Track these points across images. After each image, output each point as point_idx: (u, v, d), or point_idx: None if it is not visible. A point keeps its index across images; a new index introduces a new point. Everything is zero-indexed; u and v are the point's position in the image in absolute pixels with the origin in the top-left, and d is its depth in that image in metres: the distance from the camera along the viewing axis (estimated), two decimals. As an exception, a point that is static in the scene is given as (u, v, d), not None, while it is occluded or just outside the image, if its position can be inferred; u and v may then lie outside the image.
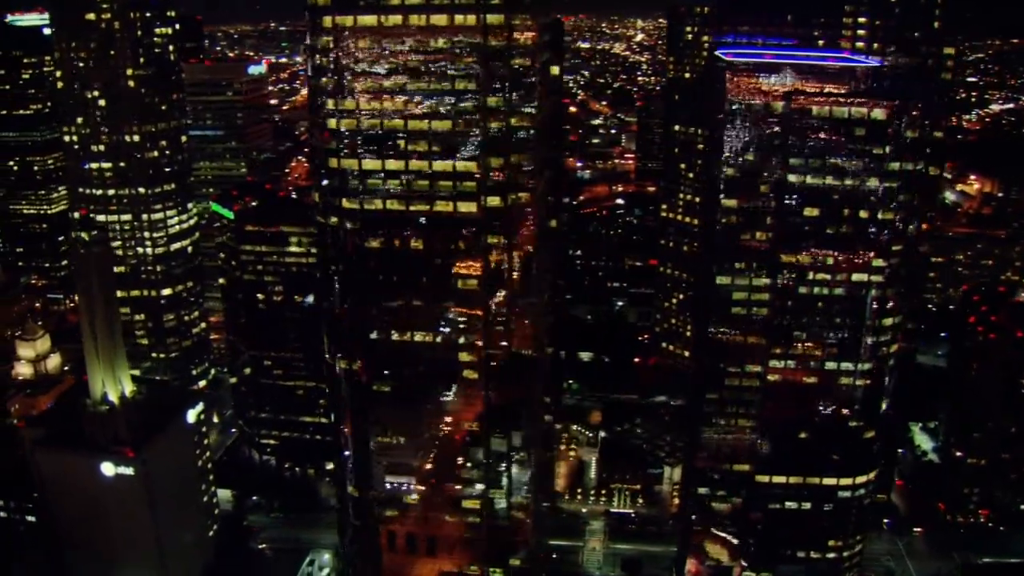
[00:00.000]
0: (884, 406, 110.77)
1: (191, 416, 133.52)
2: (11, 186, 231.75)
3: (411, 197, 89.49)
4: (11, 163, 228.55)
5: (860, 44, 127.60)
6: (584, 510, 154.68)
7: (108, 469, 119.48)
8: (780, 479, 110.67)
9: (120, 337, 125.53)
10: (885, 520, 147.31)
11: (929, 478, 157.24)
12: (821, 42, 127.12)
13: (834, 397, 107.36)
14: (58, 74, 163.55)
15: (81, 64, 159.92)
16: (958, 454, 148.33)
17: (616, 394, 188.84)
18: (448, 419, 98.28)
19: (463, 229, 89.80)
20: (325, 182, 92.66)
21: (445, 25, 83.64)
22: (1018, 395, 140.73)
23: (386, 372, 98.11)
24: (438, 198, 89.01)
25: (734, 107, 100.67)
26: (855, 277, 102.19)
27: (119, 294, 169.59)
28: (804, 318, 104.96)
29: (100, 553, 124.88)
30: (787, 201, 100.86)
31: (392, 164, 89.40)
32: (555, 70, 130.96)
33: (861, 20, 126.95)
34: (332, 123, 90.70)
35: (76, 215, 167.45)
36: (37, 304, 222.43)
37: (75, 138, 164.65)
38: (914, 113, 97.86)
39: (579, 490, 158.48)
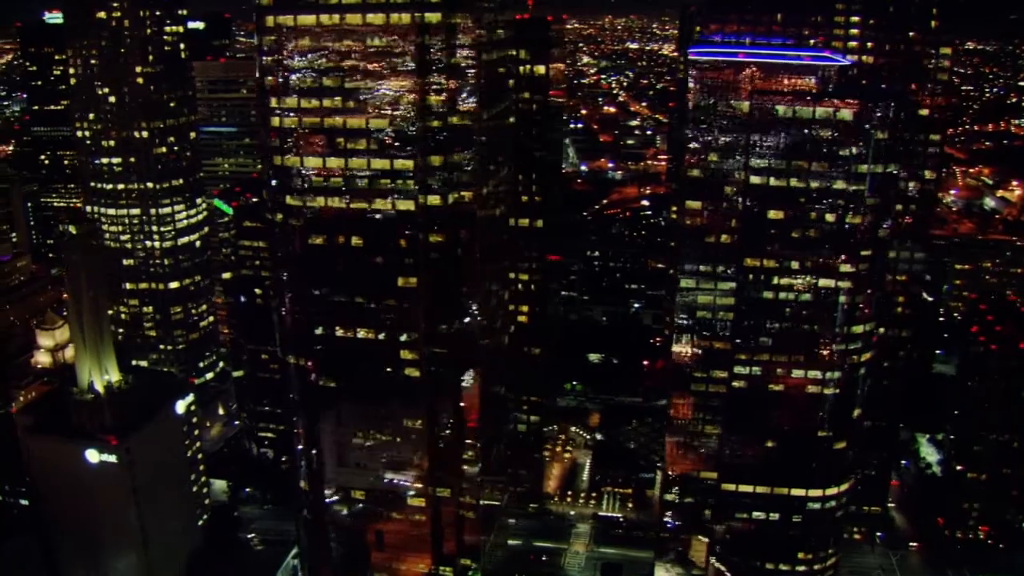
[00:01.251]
0: (856, 415, 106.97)
1: (180, 407, 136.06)
2: (43, 180, 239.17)
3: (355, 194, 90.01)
4: (42, 157, 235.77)
5: (853, 43, 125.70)
6: (572, 512, 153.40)
7: (93, 456, 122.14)
8: (747, 488, 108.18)
9: (107, 327, 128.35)
10: (878, 533, 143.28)
11: (930, 492, 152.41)
12: (812, 41, 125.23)
13: (802, 406, 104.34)
14: (71, 71, 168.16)
15: (93, 61, 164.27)
16: (958, 468, 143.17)
17: (620, 396, 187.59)
18: (395, 416, 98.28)
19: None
20: (273, 180, 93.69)
21: (381, 24, 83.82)
22: (1021, 408, 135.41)
23: (333, 368, 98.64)
24: (379, 196, 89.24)
25: (699, 106, 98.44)
26: (822, 282, 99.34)
27: (128, 286, 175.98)
28: (771, 323, 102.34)
29: (86, 537, 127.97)
30: (751, 203, 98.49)
31: (332, 162, 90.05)
32: (540, 69, 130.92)
33: (854, 19, 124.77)
34: (275, 121, 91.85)
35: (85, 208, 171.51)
36: (65, 295, 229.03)
37: (87, 133, 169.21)
38: (881, 114, 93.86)
39: (570, 492, 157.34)
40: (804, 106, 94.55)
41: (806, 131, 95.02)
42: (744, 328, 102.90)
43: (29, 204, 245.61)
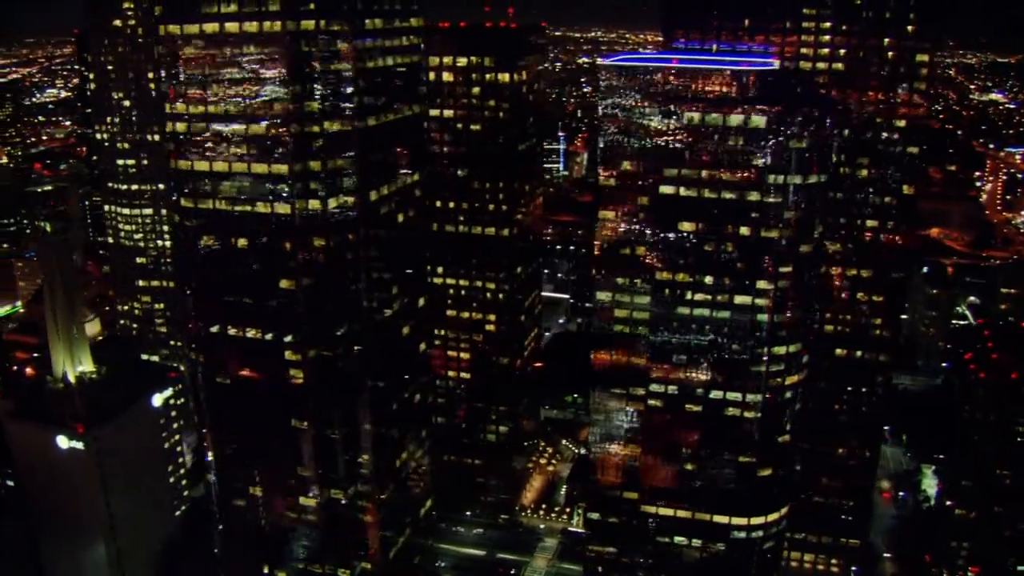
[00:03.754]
0: (783, 440, 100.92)
1: (157, 399, 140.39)
2: (94, 181, 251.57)
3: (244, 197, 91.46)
4: (95, 159, 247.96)
5: (825, 50, 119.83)
6: (542, 526, 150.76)
7: (63, 442, 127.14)
8: (667, 512, 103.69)
9: (81, 319, 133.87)
10: (853, 568, 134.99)
11: (922, 527, 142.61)
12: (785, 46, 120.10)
13: (722, 429, 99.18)
14: (91, 76, 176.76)
15: (110, 67, 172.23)
16: (948, 503, 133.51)
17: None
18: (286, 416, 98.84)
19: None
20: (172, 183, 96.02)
21: (256, 32, 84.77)
22: (1015, 443, 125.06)
23: (227, 366, 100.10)
24: (261, 200, 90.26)
25: (608, 112, 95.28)
26: (738, 300, 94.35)
27: (140, 283, 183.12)
28: (688, 340, 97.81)
29: (59, 520, 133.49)
30: (663, 214, 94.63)
31: (218, 166, 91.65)
32: (504, 77, 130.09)
33: (825, 24, 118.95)
34: (169, 126, 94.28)
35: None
36: (110, 292, 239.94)
37: (105, 136, 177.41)
38: (801, 120, 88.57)
39: (544, 505, 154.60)
40: (715, 112, 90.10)
41: (717, 139, 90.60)
42: (660, 344, 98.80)
43: (86, 203, 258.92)
